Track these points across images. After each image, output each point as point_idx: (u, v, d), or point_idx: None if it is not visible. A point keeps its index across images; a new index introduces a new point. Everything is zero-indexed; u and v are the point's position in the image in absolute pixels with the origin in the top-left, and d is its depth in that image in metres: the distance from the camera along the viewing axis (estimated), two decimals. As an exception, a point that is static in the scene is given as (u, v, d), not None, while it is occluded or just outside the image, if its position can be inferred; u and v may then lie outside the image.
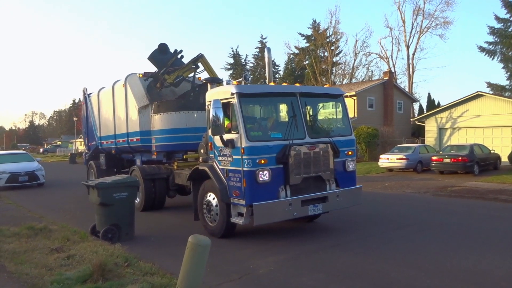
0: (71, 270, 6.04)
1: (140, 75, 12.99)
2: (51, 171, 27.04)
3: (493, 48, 38.42)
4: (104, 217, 8.55)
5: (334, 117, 9.36)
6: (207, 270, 4.54)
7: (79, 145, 69.34)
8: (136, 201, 11.85)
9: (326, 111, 9.62)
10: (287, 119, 8.39)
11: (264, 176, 7.59)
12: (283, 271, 6.49)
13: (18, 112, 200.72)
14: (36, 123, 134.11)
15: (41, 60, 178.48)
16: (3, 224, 9.50)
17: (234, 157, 7.81)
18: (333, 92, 9.47)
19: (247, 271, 6.50)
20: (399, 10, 51.63)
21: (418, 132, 34.56)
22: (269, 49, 10.18)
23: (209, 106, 8.25)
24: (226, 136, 7.87)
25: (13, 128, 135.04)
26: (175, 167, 11.29)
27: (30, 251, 7.18)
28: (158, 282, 5.54)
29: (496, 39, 38.00)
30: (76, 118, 62.64)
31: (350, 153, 8.89)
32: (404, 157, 21.88)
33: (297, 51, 55.86)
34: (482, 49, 38.79)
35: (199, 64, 12.38)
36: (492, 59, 38.81)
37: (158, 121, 11.84)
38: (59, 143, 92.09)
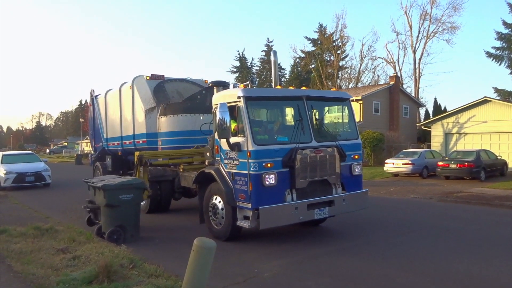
0: (76, 271, 6.07)
1: (147, 77, 13.05)
2: (57, 171, 27.17)
3: (500, 53, 38.31)
4: (110, 219, 8.60)
5: (341, 120, 9.35)
6: (212, 273, 4.55)
7: (85, 146, 69.69)
8: (141, 203, 11.90)
9: (333, 115, 9.61)
10: (293, 123, 8.39)
11: (270, 179, 7.58)
12: (287, 274, 6.49)
13: (25, 113, 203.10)
14: (43, 124, 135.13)
15: (48, 61, 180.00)
16: (10, 224, 9.58)
17: (240, 160, 7.81)
18: (339, 95, 9.47)
19: (252, 274, 6.50)
20: (406, 15, 51.25)
21: (424, 137, 34.44)
22: (275, 53, 10.18)
23: (215, 109, 8.27)
24: (233, 140, 7.88)
25: (20, 128, 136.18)
26: (181, 170, 11.32)
27: (36, 251, 7.23)
28: (163, 284, 5.56)
29: (504, 44, 37.89)
30: (82, 119, 62.99)
31: (356, 157, 8.86)
32: (410, 162, 21.79)
33: (303, 55, 55.91)
34: (489, 55, 38.68)
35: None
36: (500, 64, 38.70)
37: (165, 123, 11.88)
38: (65, 144, 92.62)
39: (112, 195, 8.47)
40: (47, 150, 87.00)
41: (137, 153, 10.98)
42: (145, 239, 8.85)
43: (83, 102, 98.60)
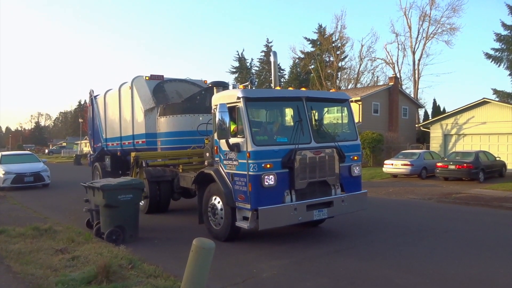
0: (75, 271, 6.07)
1: (147, 78, 13.04)
2: (56, 172, 27.12)
3: (499, 55, 38.33)
4: (109, 219, 8.59)
5: (340, 121, 9.36)
6: (211, 273, 4.55)
7: (84, 146, 69.63)
8: (140, 203, 11.84)
9: (332, 116, 9.62)
10: (292, 124, 8.40)
11: (270, 180, 7.57)
12: (286, 275, 6.49)
13: (24, 113, 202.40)
14: (42, 124, 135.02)
15: (47, 61, 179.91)
16: (9, 224, 9.56)
17: (239, 161, 7.80)
18: (339, 96, 9.46)
19: (250, 274, 6.50)
20: (405, 16, 51.26)
21: (423, 138, 34.47)
22: (275, 53, 10.18)
23: (215, 110, 8.28)
24: (232, 140, 7.88)
25: (19, 128, 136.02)
26: (180, 170, 11.32)
27: (35, 252, 7.22)
28: (162, 284, 5.56)
29: (503, 46, 37.91)
30: (81, 119, 62.86)
31: (355, 158, 8.86)
32: (409, 163, 21.81)
33: (302, 56, 55.91)
34: (488, 56, 38.70)
35: None
36: (499, 66, 38.73)
37: (164, 123, 11.88)
38: (64, 144, 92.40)
39: (111, 196, 8.47)
40: (46, 151, 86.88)
41: (133, 154, 10.95)
42: (144, 240, 8.85)
43: (82, 103, 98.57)
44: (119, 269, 6.02)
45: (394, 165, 22.40)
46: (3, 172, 19.16)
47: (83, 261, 6.62)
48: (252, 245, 8.26)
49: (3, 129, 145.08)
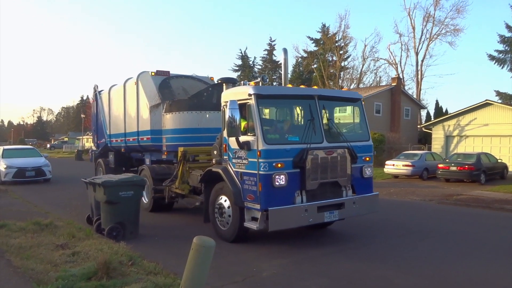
0: (76, 267, 6.05)
1: (153, 74, 12.85)
2: (57, 167, 27.11)
3: (503, 56, 38.28)
4: (110, 215, 8.57)
5: (352, 121, 9.18)
6: (211, 271, 4.54)
7: (86, 141, 69.70)
8: (145, 201, 11.70)
9: (344, 115, 9.45)
10: (304, 122, 8.18)
11: (281, 180, 7.35)
12: (286, 274, 6.47)
13: (27, 107, 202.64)
14: (44, 118, 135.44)
15: (50, 56, 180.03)
16: (10, 218, 9.53)
17: (249, 159, 7.59)
18: (351, 96, 9.20)
19: (250, 273, 6.47)
20: (409, 16, 51.03)
21: (425, 139, 34.41)
22: (285, 50, 9.80)
23: (225, 106, 8.06)
24: (242, 138, 7.65)
25: (21, 123, 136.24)
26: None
27: (35, 247, 7.19)
28: (161, 281, 5.54)
29: (506, 47, 37.85)
30: (83, 115, 62.81)
31: (367, 159, 8.63)
32: (410, 164, 21.75)
33: (305, 55, 55.79)
34: (491, 58, 38.65)
35: None
36: (502, 67, 38.72)
37: (170, 120, 11.70)
38: (66, 139, 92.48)
39: (112, 192, 8.43)
40: (48, 145, 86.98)
41: (181, 148, 10.73)
42: (144, 237, 8.82)
43: (84, 98, 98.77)
44: (119, 266, 6.00)
45: (395, 166, 22.35)
46: (5, 166, 19.16)
47: (84, 257, 6.60)
48: (252, 244, 8.20)
49: (5, 123, 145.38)
